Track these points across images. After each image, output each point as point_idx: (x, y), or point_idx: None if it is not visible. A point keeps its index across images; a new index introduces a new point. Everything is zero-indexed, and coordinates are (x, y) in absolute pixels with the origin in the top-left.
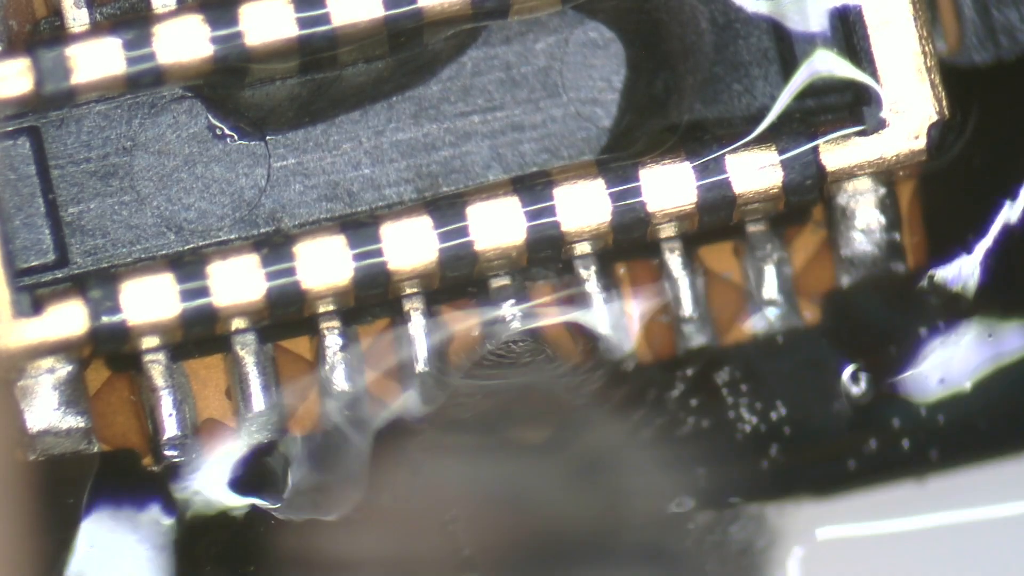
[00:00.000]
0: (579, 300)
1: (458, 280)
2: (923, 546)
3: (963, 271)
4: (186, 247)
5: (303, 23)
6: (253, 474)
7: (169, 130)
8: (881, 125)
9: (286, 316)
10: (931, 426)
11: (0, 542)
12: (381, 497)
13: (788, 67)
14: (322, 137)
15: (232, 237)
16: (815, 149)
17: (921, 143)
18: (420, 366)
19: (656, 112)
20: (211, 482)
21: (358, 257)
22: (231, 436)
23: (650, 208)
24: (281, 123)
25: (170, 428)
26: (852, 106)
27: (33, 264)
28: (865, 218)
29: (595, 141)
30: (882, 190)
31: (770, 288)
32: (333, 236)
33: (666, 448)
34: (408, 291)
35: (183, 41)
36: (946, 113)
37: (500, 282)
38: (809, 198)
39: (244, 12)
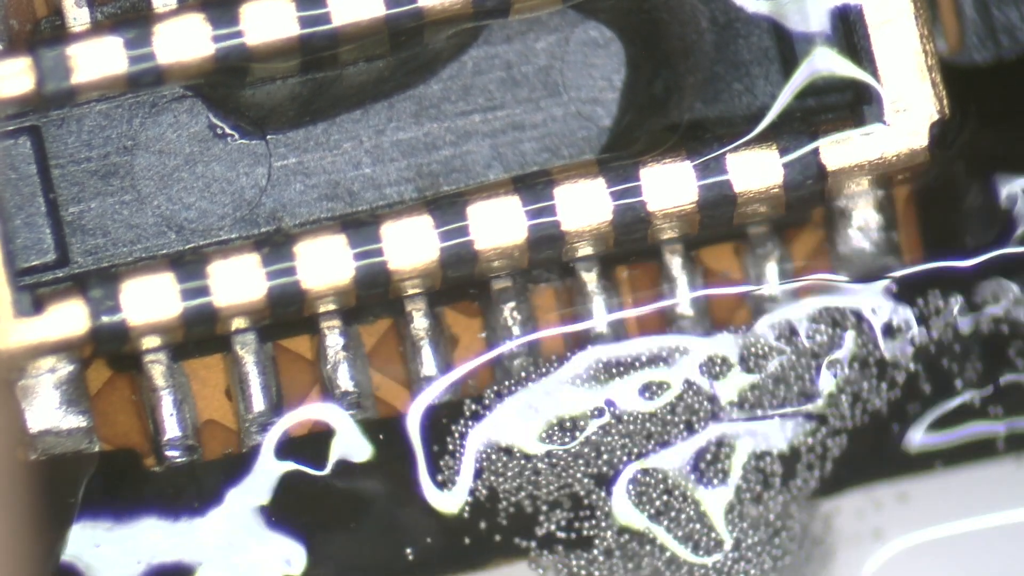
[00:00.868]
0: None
1: (459, 280)
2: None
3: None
4: (187, 246)
5: (304, 22)
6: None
7: (170, 129)
8: (882, 124)
9: (287, 315)
10: None
11: (1, 540)
12: None
13: (789, 66)
14: (323, 136)
15: (233, 236)
16: (816, 148)
17: (922, 142)
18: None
19: (657, 111)
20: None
21: (359, 256)
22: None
23: (651, 207)
24: (282, 122)
25: (171, 428)
26: (853, 105)
27: (34, 263)
28: (862, 216)
29: (596, 140)
30: (880, 188)
31: (771, 285)
32: (334, 235)
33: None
34: (410, 291)
35: (184, 40)
36: (947, 112)
37: (502, 284)
38: (811, 197)
39: (245, 11)
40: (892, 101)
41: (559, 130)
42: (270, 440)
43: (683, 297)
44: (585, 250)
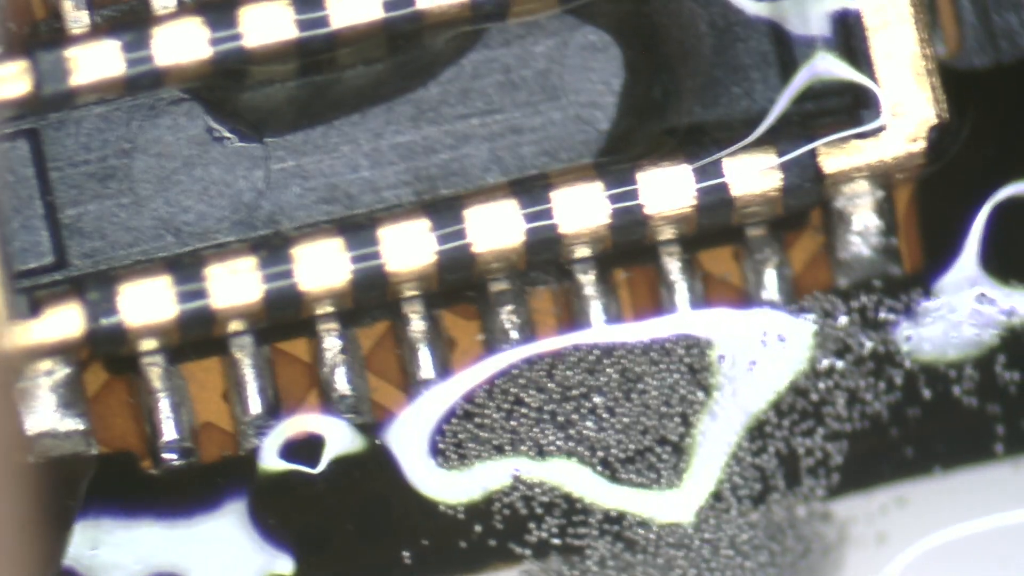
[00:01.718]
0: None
1: (457, 283)
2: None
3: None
4: (185, 249)
5: (302, 25)
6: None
7: (168, 132)
8: (880, 128)
9: (284, 318)
10: None
11: (2, 543)
12: None
13: (787, 70)
14: (321, 139)
15: (231, 239)
16: (814, 152)
17: (920, 146)
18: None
19: (655, 115)
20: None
21: (356, 259)
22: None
23: (648, 211)
24: (280, 125)
25: (168, 431)
26: (851, 109)
27: (31, 266)
28: (862, 221)
29: (594, 144)
30: (879, 192)
31: (770, 291)
32: (331, 238)
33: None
34: (407, 294)
35: (182, 43)
36: (945, 116)
37: (499, 286)
38: (808, 201)
39: (243, 14)
40: (890, 105)
41: (557, 134)
42: (267, 443)
43: (680, 302)
44: (583, 252)
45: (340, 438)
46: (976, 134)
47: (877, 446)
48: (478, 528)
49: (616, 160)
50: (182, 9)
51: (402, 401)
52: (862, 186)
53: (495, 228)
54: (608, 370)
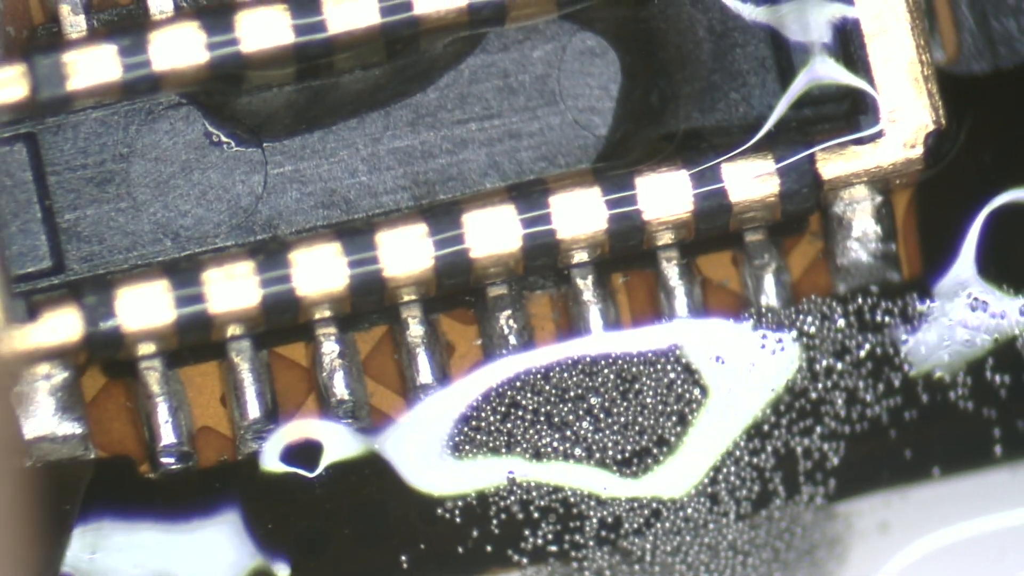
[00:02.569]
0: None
1: (455, 288)
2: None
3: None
4: (182, 254)
5: (299, 30)
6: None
7: (166, 137)
8: (878, 134)
9: (281, 323)
10: None
11: (2, 546)
12: None
13: (785, 76)
14: (319, 144)
15: (229, 244)
16: (811, 158)
17: (918, 152)
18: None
19: (653, 120)
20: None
21: (354, 264)
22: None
23: (646, 216)
24: (278, 130)
25: (166, 435)
26: (849, 115)
27: (29, 270)
28: (861, 227)
29: (592, 149)
30: (878, 199)
31: (769, 296)
32: (329, 243)
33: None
34: (406, 298)
35: (179, 48)
36: (943, 122)
37: (498, 291)
38: (806, 207)
39: (240, 19)
40: (888, 111)
41: (555, 139)
42: (265, 447)
43: (680, 307)
44: (581, 257)
45: (338, 442)
46: (976, 139)
47: (875, 450)
48: (475, 533)
49: (614, 165)
50: (179, 14)
51: (400, 406)
52: (861, 192)
53: (493, 233)
54: (605, 371)
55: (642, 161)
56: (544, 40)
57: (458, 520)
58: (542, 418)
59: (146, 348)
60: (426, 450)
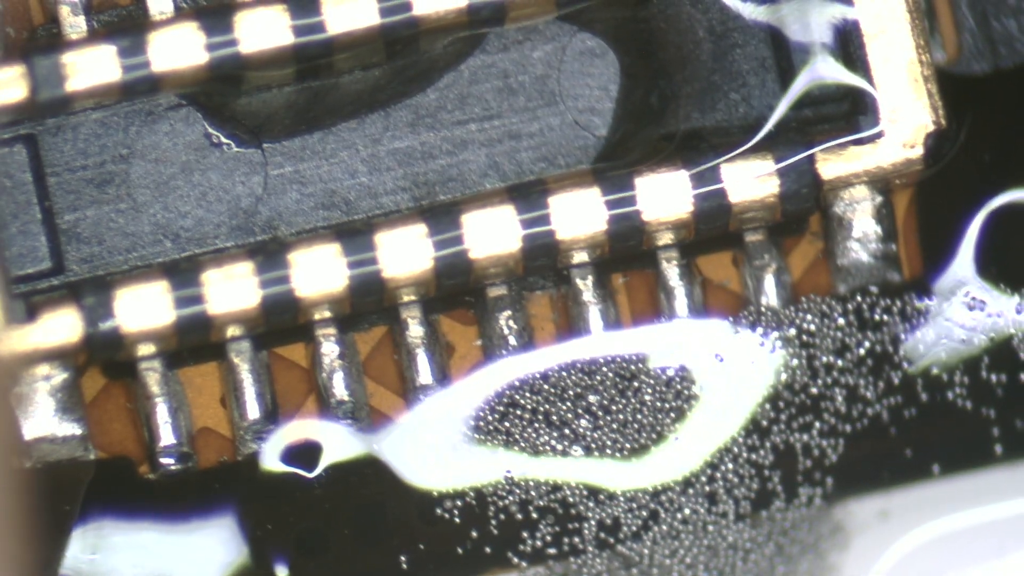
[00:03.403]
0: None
1: (455, 288)
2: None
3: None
4: (182, 255)
5: (298, 31)
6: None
7: (166, 138)
8: (878, 134)
9: (281, 323)
10: None
11: (1, 547)
12: None
13: (785, 76)
14: (319, 145)
15: (229, 245)
16: (811, 158)
17: (918, 152)
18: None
19: (653, 121)
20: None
21: (353, 265)
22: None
23: (646, 217)
24: (278, 131)
25: (166, 436)
26: (849, 115)
27: (28, 271)
28: (861, 228)
29: (592, 150)
30: (878, 199)
31: (769, 296)
32: (328, 244)
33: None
34: (405, 299)
35: (179, 49)
36: (943, 122)
37: (498, 292)
38: (806, 207)
39: (240, 20)
40: (888, 111)
41: (555, 139)
42: (265, 448)
43: (680, 307)
44: (581, 258)
45: (338, 443)
46: (976, 139)
47: (875, 448)
48: (474, 533)
49: (614, 166)
50: (179, 15)
51: (400, 406)
52: (861, 192)
53: (493, 234)
54: (603, 369)
55: (642, 161)
56: (544, 41)
57: (457, 520)
58: (541, 417)
59: (146, 349)
60: (426, 451)
